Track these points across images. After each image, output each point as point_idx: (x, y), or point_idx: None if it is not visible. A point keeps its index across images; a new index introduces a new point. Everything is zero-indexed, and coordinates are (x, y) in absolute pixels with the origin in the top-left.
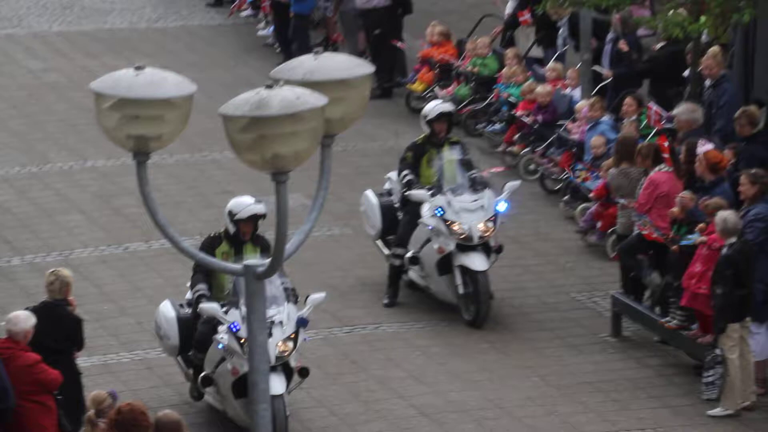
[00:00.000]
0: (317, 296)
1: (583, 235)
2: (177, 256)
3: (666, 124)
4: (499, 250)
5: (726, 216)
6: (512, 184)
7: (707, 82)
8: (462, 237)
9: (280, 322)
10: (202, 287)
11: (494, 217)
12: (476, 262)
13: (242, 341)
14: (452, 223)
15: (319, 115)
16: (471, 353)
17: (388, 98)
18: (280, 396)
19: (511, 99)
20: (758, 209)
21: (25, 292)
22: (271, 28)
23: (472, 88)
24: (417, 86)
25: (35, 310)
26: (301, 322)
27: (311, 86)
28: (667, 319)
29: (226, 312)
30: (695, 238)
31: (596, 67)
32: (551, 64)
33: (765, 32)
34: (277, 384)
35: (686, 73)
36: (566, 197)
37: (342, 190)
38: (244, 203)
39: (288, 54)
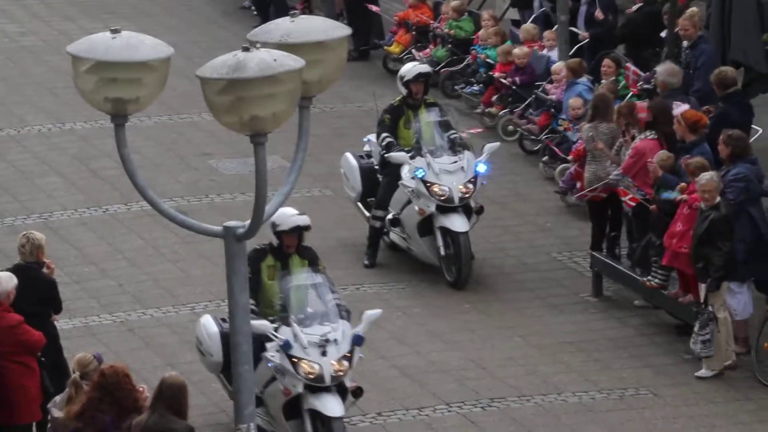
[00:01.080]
0: (373, 312)
1: (563, 195)
2: (157, 218)
3: (644, 85)
4: (479, 211)
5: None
6: (491, 146)
7: (685, 44)
8: (442, 198)
9: (335, 340)
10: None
11: (474, 179)
12: (457, 223)
13: (294, 360)
14: (432, 184)
15: (297, 77)
16: (452, 314)
17: (366, 60)
18: (339, 418)
19: (489, 60)
20: (738, 169)
21: (5, 254)
22: None
23: (449, 50)
24: (394, 48)
25: (10, 271)
26: (357, 340)
27: (288, 48)
28: (648, 278)
29: (276, 329)
30: (674, 194)
31: (574, 29)
32: (526, 25)
33: None
34: (334, 405)
35: (663, 33)
36: (545, 158)
37: (320, 152)
38: (287, 214)
39: (265, 17)
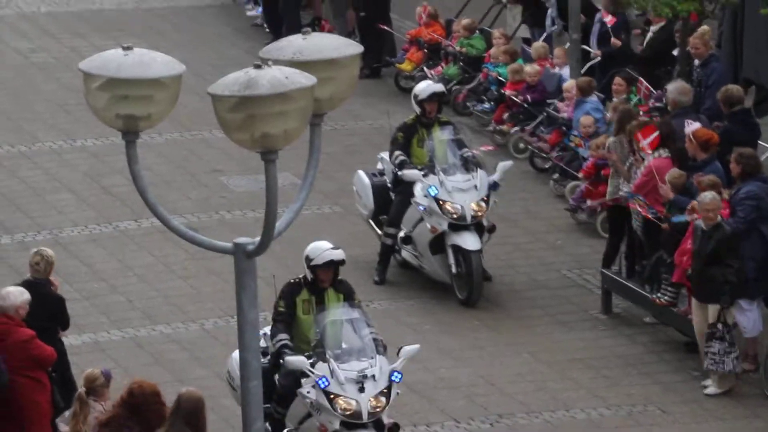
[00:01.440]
0: (410, 348)
1: (573, 213)
2: (167, 235)
3: (656, 103)
4: (492, 229)
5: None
6: (504, 164)
7: (696, 62)
8: (455, 216)
9: (372, 376)
10: (284, 337)
11: (487, 197)
12: (469, 241)
13: (332, 397)
14: (445, 202)
15: (308, 95)
16: (461, 330)
17: (377, 78)
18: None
19: (500, 78)
20: (749, 188)
21: (15, 270)
22: (260, 9)
23: (461, 68)
24: (406, 66)
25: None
26: (493, 186)
27: (300, 66)
28: (658, 295)
29: (312, 365)
30: (686, 218)
31: (586, 47)
32: (536, 44)
33: (753, 11)
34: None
35: (675, 52)
36: (556, 175)
37: (331, 169)
38: (321, 248)
39: (277, 34)
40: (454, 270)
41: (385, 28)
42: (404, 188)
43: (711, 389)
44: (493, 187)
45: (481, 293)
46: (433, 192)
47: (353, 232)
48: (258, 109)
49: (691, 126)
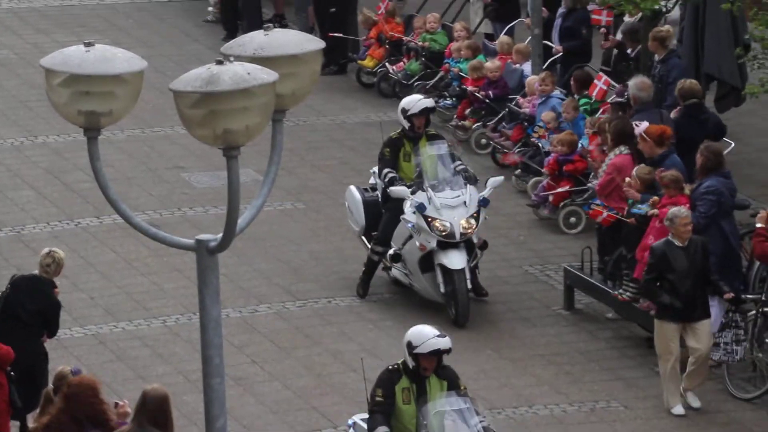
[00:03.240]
0: (496, 179)
1: (536, 208)
2: (129, 231)
3: (616, 98)
4: (483, 246)
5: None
6: (494, 180)
7: (656, 57)
8: (444, 234)
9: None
10: (384, 430)
11: (477, 214)
12: (454, 260)
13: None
14: (434, 219)
15: (270, 91)
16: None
17: (342, 74)
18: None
19: (462, 74)
20: (710, 182)
21: None
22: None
23: (423, 64)
24: (368, 62)
25: (23, 278)
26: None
27: (262, 62)
28: (620, 291)
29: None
30: (646, 208)
31: (548, 43)
32: (502, 37)
33: (714, 6)
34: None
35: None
36: (518, 171)
37: (293, 165)
38: (426, 335)
39: (232, 30)
40: (442, 289)
41: (340, 35)
42: (393, 204)
43: (696, 403)
44: (483, 203)
45: (468, 314)
46: (420, 208)
47: (314, 228)
48: (220, 105)
49: (640, 126)
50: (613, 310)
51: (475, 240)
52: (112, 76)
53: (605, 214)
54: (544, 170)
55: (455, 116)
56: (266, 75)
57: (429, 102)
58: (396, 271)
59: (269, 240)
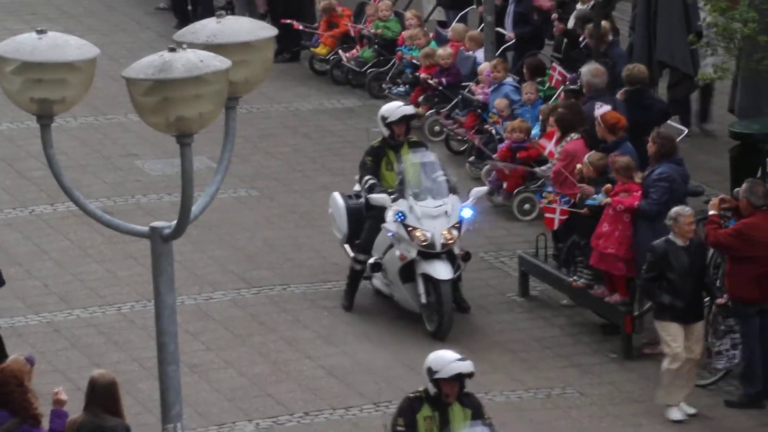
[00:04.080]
0: (479, 189)
1: (490, 195)
2: (83, 219)
3: (570, 85)
4: (465, 257)
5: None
6: (477, 190)
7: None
8: (424, 244)
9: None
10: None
11: (459, 224)
12: (440, 270)
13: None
14: (414, 229)
15: (223, 78)
16: (379, 314)
17: (295, 62)
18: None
19: (415, 61)
20: (662, 169)
21: None
22: None
23: (376, 51)
24: (320, 50)
25: None
26: (472, 216)
27: (215, 49)
28: (574, 278)
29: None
30: (600, 198)
31: (500, 30)
32: (456, 25)
33: None
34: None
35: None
36: (472, 158)
37: (247, 152)
38: (446, 360)
39: (183, 18)
40: (423, 300)
41: (296, 25)
42: (375, 213)
43: (690, 409)
44: (473, 217)
45: (451, 326)
46: (399, 217)
47: (268, 215)
48: (173, 92)
49: (601, 109)
50: (567, 297)
51: (456, 251)
52: (64, 64)
53: (557, 219)
54: (495, 156)
55: (408, 103)
56: (219, 62)
57: (409, 109)
58: (377, 281)
59: (223, 227)
